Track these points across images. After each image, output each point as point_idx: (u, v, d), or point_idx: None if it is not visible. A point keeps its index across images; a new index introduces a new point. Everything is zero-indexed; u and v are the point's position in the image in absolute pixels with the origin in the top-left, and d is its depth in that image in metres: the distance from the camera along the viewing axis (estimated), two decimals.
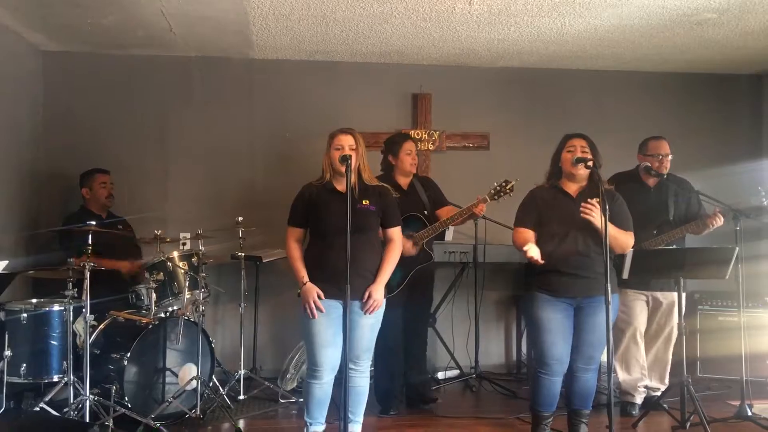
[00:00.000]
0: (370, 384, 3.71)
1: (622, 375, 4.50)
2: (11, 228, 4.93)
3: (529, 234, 3.70)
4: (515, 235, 3.76)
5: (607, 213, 3.38)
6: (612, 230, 3.52)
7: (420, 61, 5.72)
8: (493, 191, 4.32)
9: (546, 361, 3.66)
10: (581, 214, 3.56)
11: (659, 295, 4.48)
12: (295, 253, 3.59)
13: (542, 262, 3.54)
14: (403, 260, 4.36)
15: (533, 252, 3.55)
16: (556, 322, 3.64)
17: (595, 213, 3.54)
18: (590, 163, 3.61)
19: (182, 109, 5.58)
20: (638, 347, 4.49)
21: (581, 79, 5.97)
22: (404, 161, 4.56)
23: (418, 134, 5.72)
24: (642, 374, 4.51)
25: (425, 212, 4.55)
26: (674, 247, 4.34)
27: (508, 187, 4.29)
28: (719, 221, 4.25)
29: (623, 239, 3.68)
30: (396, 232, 3.69)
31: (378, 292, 3.53)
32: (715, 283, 4.62)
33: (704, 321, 5.31)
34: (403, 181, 4.59)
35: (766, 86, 6.12)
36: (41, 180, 5.34)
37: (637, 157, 4.57)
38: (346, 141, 3.55)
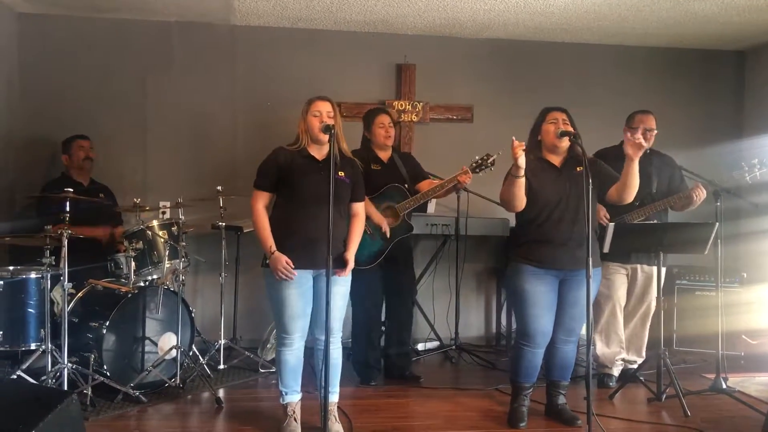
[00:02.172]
0: (349, 355, 3.72)
1: (600, 348, 4.55)
2: None
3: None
4: (501, 192, 3.68)
5: (590, 186, 3.38)
6: (632, 180, 3.57)
7: (405, 30, 5.66)
8: (474, 164, 4.28)
9: (530, 333, 3.68)
10: (637, 143, 3.53)
11: (639, 269, 4.52)
12: (263, 220, 3.49)
13: (521, 151, 3.46)
14: (383, 232, 4.36)
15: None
16: (541, 294, 3.66)
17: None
18: (575, 137, 3.60)
19: (162, 75, 5.48)
20: (617, 320, 4.54)
21: (566, 52, 5.95)
22: (377, 134, 4.52)
23: (401, 105, 5.68)
24: (620, 347, 4.56)
25: (405, 185, 4.53)
26: (655, 222, 4.37)
27: (489, 161, 4.25)
28: (702, 193, 4.28)
29: (636, 182, 3.65)
30: (361, 207, 3.67)
31: (351, 260, 3.52)
32: (693, 258, 4.69)
33: (682, 295, 5.36)
34: (383, 155, 4.56)
35: (749, 62, 6.14)
36: (18, 146, 5.24)
37: (623, 129, 4.56)
38: (325, 108, 3.49)
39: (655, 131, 4.44)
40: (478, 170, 4.26)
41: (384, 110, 4.76)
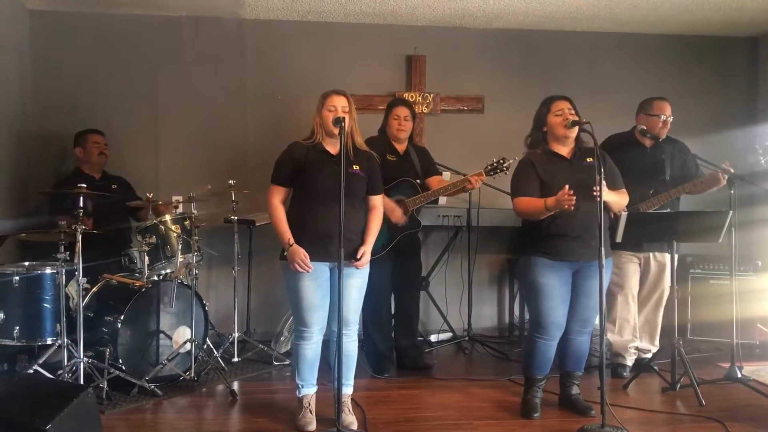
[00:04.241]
0: (362, 347, 3.73)
1: (613, 337, 4.53)
2: (2, 190, 4.88)
3: (538, 200, 3.59)
4: (521, 205, 3.66)
5: (602, 175, 3.37)
6: (612, 197, 3.59)
7: (414, 21, 5.64)
8: (489, 167, 4.27)
9: (544, 325, 3.67)
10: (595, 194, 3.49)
11: (651, 257, 4.50)
12: (280, 213, 3.52)
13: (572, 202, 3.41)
14: (390, 224, 4.36)
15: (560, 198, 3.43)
16: (555, 287, 3.65)
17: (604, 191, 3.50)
18: (587, 127, 3.56)
19: (173, 69, 5.49)
20: (630, 309, 4.52)
21: (577, 40, 5.91)
22: (391, 126, 4.53)
23: (412, 97, 5.66)
24: (633, 336, 4.54)
25: (417, 180, 4.52)
26: (668, 210, 4.34)
27: (505, 165, 4.25)
28: (723, 180, 4.23)
29: (623, 200, 3.73)
30: (379, 200, 3.68)
31: (368, 253, 3.53)
32: (707, 246, 4.66)
33: (696, 284, 5.34)
34: (398, 147, 4.55)
35: (763, 49, 6.07)
36: (31, 142, 5.28)
37: (637, 117, 4.52)
38: (339, 102, 3.50)
39: (671, 117, 4.42)
40: (492, 173, 4.28)
41: (404, 102, 4.72)
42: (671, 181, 4.41)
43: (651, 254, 4.49)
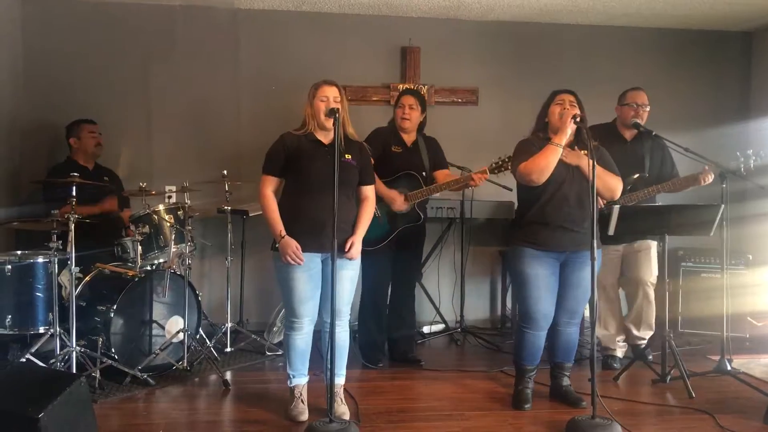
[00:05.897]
0: (355, 337, 3.73)
1: (599, 330, 4.53)
2: None
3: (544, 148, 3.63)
4: (527, 164, 3.62)
5: (595, 167, 3.38)
6: (600, 171, 3.55)
7: (409, 13, 5.62)
8: (494, 165, 4.23)
9: (531, 316, 3.70)
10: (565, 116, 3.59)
11: (630, 247, 4.49)
12: (272, 204, 3.50)
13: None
14: (393, 215, 4.37)
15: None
16: (542, 278, 3.66)
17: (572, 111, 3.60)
18: (579, 119, 3.58)
19: (166, 59, 5.46)
20: (613, 302, 4.54)
21: (572, 34, 5.91)
22: (396, 115, 4.52)
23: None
24: (620, 328, 4.55)
25: (423, 173, 4.48)
26: (660, 204, 4.35)
27: (510, 163, 4.24)
28: (709, 177, 4.24)
29: (612, 181, 3.70)
30: (371, 190, 3.67)
31: (358, 243, 3.53)
32: (698, 240, 4.68)
33: (687, 278, 5.37)
34: (406, 137, 4.51)
35: (756, 44, 6.09)
36: (23, 131, 5.25)
37: (615, 108, 4.54)
38: (332, 92, 3.49)
39: (648, 107, 4.42)
40: (497, 171, 4.24)
41: (411, 91, 4.70)
42: (650, 177, 4.39)
43: (630, 245, 4.48)
